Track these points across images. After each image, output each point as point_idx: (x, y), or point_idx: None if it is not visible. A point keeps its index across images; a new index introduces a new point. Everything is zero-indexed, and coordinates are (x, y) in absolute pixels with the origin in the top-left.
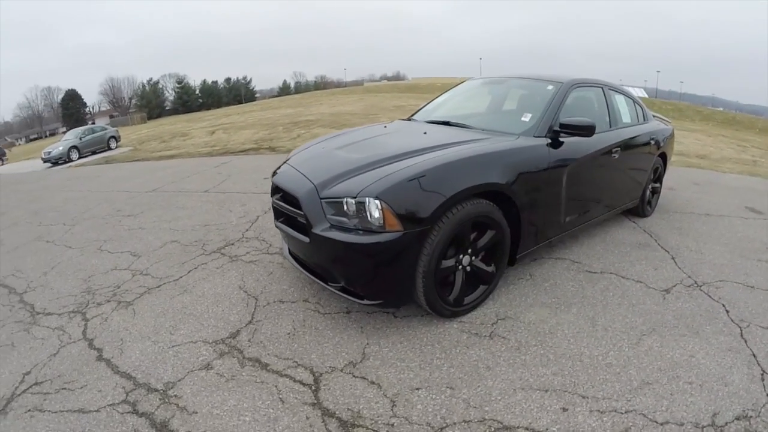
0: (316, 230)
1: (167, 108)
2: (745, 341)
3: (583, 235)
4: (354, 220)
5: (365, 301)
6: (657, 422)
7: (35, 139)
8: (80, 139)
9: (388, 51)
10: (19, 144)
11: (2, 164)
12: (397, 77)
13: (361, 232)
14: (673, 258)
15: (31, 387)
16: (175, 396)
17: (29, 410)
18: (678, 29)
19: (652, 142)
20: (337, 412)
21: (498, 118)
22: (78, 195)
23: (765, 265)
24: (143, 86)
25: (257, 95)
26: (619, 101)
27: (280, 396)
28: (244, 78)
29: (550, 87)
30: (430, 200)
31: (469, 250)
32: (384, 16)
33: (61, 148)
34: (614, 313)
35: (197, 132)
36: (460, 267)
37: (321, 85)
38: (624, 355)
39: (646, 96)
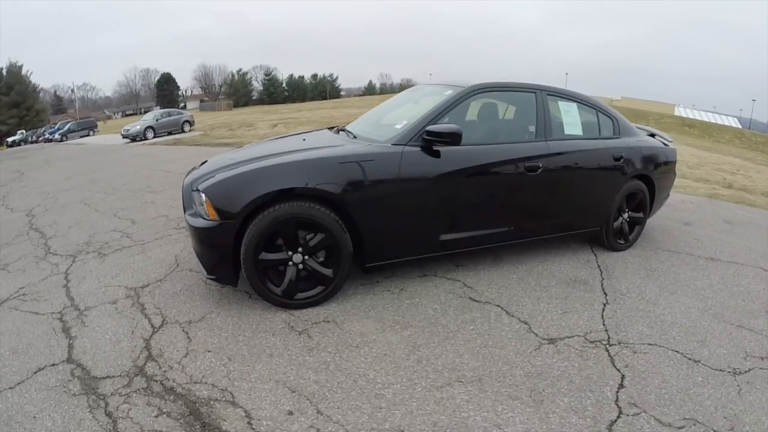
0: (186, 214)
1: (254, 98)
2: None
3: (509, 259)
4: (199, 208)
5: (206, 274)
6: None
7: (130, 114)
8: (156, 120)
9: (480, 58)
10: (116, 118)
11: (93, 135)
12: None
13: (200, 218)
14: (605, 304)
15: (20, 296)
16: (85, 315)
17: (10, 308)
18: None
19: (621, 161)
20: (152, 348)
21: (383, 126)
22: (130, 170)
23: (744, 333)
24: (233, 75)
25: (342, 93)
26: (565, 109)
27: (133, 329)
28: (331, 75)
29: (448, 92)
30: (240, 198)
31: (300, 249)
32: (479, 20)
33: (138, 127)
34: (449, 348)
35: (263, 124)
36: (291, 263)
37: (405, 87)
38: (409, 393)
39: (739, 126)
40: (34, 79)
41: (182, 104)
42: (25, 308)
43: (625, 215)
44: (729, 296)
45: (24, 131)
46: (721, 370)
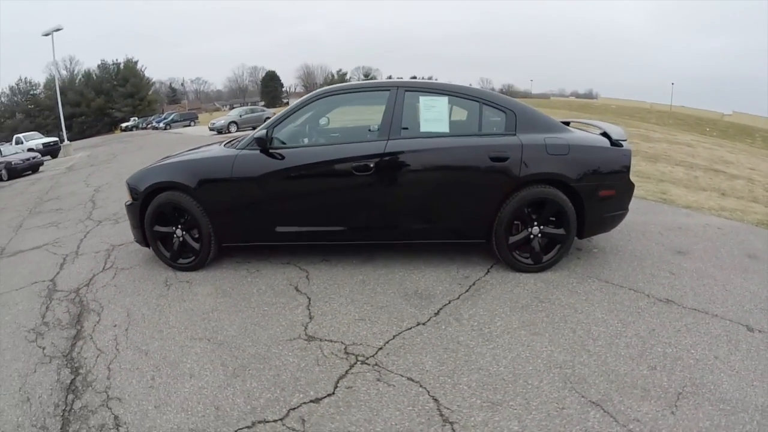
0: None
1: None
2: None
3: (379, 261)
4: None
5: (134, 239)
6: None
7: (237, 107)
8: (240, 116)
9: (586, 65)
10: (224, 109)
11: (193, 125)
12: (588, 95)
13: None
14: (421, 324)
15: (53, 243)
16: (77, 258)
17: (44, 249)
18: None
19: (507, 162)
20: (92, 280)
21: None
22: None
23: (555, 417)
24: (332, 76)
25: None
26: (428, 105)
27: (92, 268)
28: (430, 77)
29: (299, 100)
30: (140, 186)
31: (180, 226)
32: (585, 25)
33: (222, 121)
34: (231, 318)
35: None
36: (175, 236)
37: (506, 94)
38: (172, 334)
39: None
40: (149, 73)
41: (285, 101)
42: (51, 251)
43: (535, 229)
44: (634, 358)
45: (136, 118)
46: None
